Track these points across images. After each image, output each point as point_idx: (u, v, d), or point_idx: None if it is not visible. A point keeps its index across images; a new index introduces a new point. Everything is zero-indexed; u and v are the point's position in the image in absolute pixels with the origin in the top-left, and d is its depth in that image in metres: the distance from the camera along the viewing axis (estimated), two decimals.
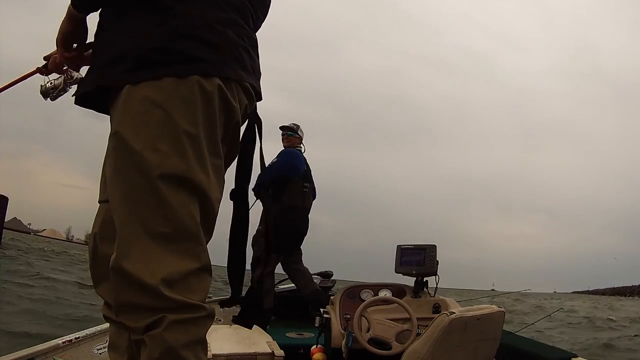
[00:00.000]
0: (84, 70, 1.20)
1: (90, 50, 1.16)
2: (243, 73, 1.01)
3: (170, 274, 0.86)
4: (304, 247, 3.90)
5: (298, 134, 3.89)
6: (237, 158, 1.10)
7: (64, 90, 1.25)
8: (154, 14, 0.94)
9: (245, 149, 1.10)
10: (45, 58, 1.26)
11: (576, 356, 2.27)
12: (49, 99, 1.25)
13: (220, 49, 0.96)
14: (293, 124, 3.89)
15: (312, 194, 3.86)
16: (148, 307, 0.86)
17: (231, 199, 1.09)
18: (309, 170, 3.84)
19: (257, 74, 1.07)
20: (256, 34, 1.12)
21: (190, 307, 0.88)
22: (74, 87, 1.22)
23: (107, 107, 1.02)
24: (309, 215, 3.85)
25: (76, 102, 1.05)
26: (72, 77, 1.23)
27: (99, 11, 1.05)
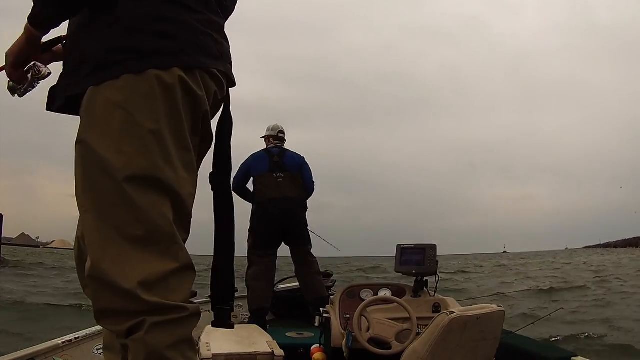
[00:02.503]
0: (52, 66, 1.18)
1: (60, 45, 1.14)
2: (207, 60, 0.99)
3: (147, 276, 0.86)
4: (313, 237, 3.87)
5: (265, 135, 4.03)
6: (214, 146, 1.08)
7: (32, 86, 1.19)
8: (106, 15, 0.93)
9: (221, 136, 1.08)
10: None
11: (576, 355, 2.27)
12: (16, 95, 1.19)
13: (177, 38, 0.95)
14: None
15: (295, 182, 3.78)
16: (127, 312, 0.85)
17: (212, 188, 1.07)
18: (281, 161, 3.82)
19: (225, 58, 1.05)
20: (227, 17, 1.10)
21: (171, 309, 0.87)
22: (44, 81, 1.16)
23: (72, 110, 1.01)
24: (296, 203, 3.78)
25: (48, 109, 1.04)
26: (39, 72, 1.16)
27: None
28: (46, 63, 1.21)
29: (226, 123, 1.09)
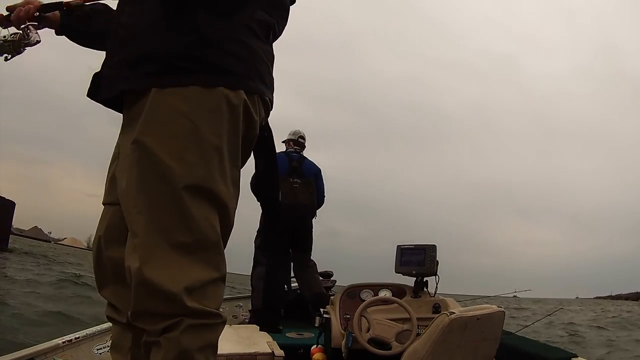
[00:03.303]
0: (43, 36, 1.16)
1: (56, 12, 1.13)
2: (264, 87, 1.03)
3: (192, 282, 0.88)
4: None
5: (286, 138, 4.08)
6: (265, 167, 1.14)
7: (18, 52, 1.14)
8: (183, 20, 0.94)
9: (272, 156, 1.15)
10: (8, 8, 1.18)
11: (576, 356, 2.27)
12: (3, 57, 1.14)
13: (246, 62, 0.98)
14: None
15: (309, 189, 3.83)
16: (168, 314, 0.88)
17: (268, 205, 1.15)
18: (300, 167, 3.87)
19: (272, 87, 1.10)
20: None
21: (207, 314, 0.90)
22: (31, 49, 1.13)
23: (115, 103, 1.01)
24: (308, 210, 3.82)
25: (91, 97, 1.04)
26: (28, 37, 1.12)
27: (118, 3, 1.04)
28: (39, 27, 1.17)
29: (272, 142, 1.16)
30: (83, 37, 1.25)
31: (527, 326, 3.17)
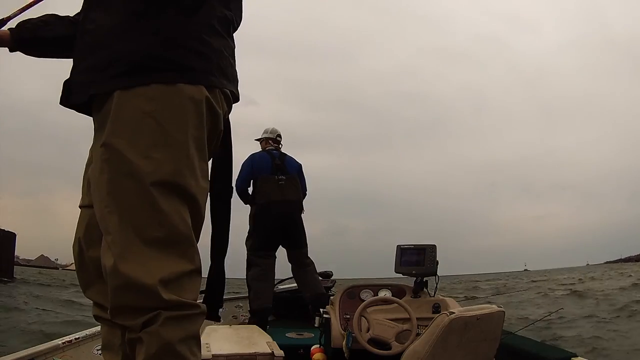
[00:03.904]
0: None
1: (5, 30, 1.14)
2: (225, 81, 1.05)
3: (167, 275, 0.90)
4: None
5: (262, 137, 4.07)
6: (220, 160, 1.15)
7: None
8: (148, 22, 0.96)
9: (227, 151, 1.15)
10: None
11: (576, 356, 2.27)
12: None
13: (207, 58, 1.00)
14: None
15: (294, 184, 3.82)
16: (145, 307, 0.89)
17: (217, 200, 1.12)
18: (283, 164, 3.87)
19: (236, 80, 1.12)
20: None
21: (184, 305, 0.92)
22: None
23: (87, 108, 1.03)
24: (296, 206, 3.82)
25: (61, 103, 1.06)
26: None
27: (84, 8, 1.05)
28: None
29: (229, 136, 1.16)
30: (37, 47, 1.24)
31: (527, 326, 3.16)
